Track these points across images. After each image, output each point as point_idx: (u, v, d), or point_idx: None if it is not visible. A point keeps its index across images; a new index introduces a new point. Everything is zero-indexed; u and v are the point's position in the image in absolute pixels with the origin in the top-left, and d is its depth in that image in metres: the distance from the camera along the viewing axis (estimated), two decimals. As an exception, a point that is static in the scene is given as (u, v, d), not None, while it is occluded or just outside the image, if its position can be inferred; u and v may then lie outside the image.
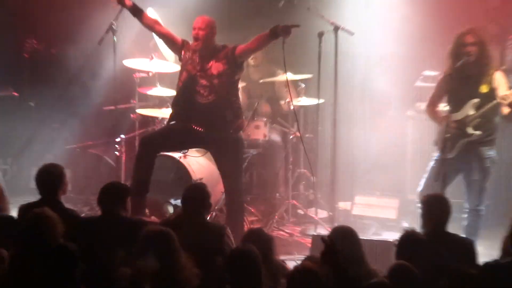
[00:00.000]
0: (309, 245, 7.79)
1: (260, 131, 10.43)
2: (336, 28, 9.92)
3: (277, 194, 10.68)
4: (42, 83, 11.16)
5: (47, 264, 6.33)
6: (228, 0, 11.14)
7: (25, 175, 9.76)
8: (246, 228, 9.55)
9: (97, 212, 7.85)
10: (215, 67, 9.34)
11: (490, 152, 9.19)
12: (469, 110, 9.06)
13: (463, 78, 9.14)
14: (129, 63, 10.50)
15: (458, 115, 9.11)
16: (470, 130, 9.07)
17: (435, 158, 9.34)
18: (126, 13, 9.60)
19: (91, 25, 10.43)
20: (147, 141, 9.64)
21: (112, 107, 10.26)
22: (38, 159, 10.08)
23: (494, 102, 8.97)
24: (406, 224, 9.54)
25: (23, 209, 7.57)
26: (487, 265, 6.61)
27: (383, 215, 10.64)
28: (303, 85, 10.68)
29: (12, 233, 7.12)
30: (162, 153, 9.76)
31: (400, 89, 10.87)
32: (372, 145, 11.10)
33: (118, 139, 10.29)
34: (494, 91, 9.02)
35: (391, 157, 10.97)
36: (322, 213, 10.59)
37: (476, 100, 9.03)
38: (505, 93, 8.81)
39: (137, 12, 9.40)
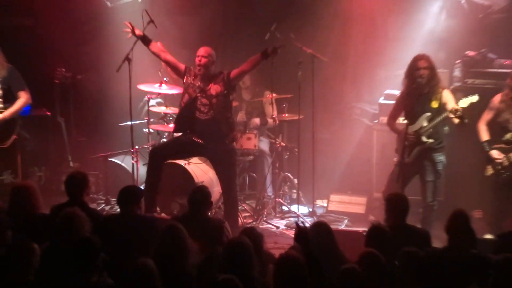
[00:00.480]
0: (293, 236, 7.80)
1: (251, 142, 10.42)
2: (313, 57, 9.96)
3: (266, 194, 10.64)
4: (70, 104, 11.14)
5: (74, 254, 6.35)
6: (223, 32, 11.05)
7: (56, 180, 9.70)
8: (240, 222, 9.64)
9: (117, 210, 7.85)
10: (214, 88, 9.41)
11: (441, 157, 9.25)
12: (423, 122, 9.10)
13: (417, 96, 9.18)
14: (142, 87, 10.51)
15: (414, 127, 9.13)
16: (424, 139, 9.11)
17: (396, 162, 9.38)
18: (139, 46, 9.65)
19: (110, 55, 10.41)
20: (156, 151, 9.72)
21: (128, 123, 10.28)
22: (67, 167, 10.06)
23: (443, 115, 9.02)
24: (373, 218, 9.55)
25: (56, 209, 7.55)
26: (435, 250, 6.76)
27: (353, 210, 10.64)
28: (284, 104, 10.67)
29: (44, 229, 7.15)
30: (169, 161, 9.78)
31: (369, 105, 10.88)
32: (344, 152, 11.07)
33: (133, 150, 10.30)
34: (443, 106, 9.08)
35: (360, 162, 10.96)
36: (303, 209, 10.62)
37: (428, 114, 9.10)
38: (455, 106, 8.85)
39: (146, 41, 9.49)
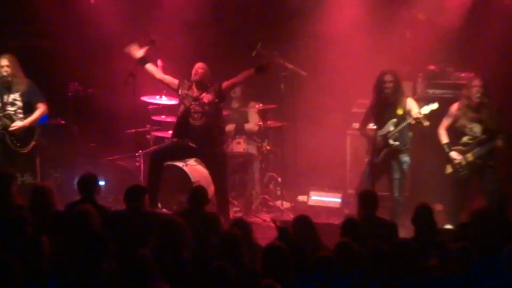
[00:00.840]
0: (277, 228, 7.79)
1: (240, 146, 10.42)
2: (294, 71, 9.97)
3: (254, 191, 10.59)
4: (82, 114, 11.11)
5: (87, 245, 6.35)
6: (216, 50, 11.04)
7: (70, 181, 9.65)
8: (231, 216, 9.58)
9: (123, 207, 7.83)
10: (206, 97, 9.40)
11: (406, 158, 9.32)
12: (390, 127, 9.17)
13: (384, 104, 9.23)
14: (145, 98, 10.50)
15: (382, 131, 9.21)
16: (391, 142, 9.18)
17: (367, 163, 9.40)
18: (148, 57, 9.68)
19: (117, 71, 10.39)
20: (156, 154, 9.71)
21: (133, 130, 10.27)
22: (79, 169, 10.02)
23: (407, 121, 9.10)
24: (347, 212, 9.51)
25: (70, 206, 7.58)
26: (399, 241, 6.74)
27: (330, 205, 10.57)
28: (268, 114, 10.69)
29: (59, 223, 7.14)
30: (169, 163, 9.78)
31: (341, 114, 10.87)
32: (322, 155, 11.08)
33: (137, 154, 10.29)
34: (407, 113, 9.15)
35: (336, 162, 10.98)
36: (287, 204, 10.62)
37: (394, 120, 9.18)
38: (417, 112, 8.96)
39: (143, 63, 9.49)
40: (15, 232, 6.72)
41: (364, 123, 9.63)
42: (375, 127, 9.43)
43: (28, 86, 9.56)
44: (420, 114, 9.01)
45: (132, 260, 5.99)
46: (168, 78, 9.65)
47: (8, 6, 11.06)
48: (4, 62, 9.41)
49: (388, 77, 9.23)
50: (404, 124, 9.20)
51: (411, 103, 9.29)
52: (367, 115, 9.60)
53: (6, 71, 9.39)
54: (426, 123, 9.03)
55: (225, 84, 9.49)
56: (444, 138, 9.37)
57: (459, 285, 5.86)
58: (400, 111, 9.23)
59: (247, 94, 10.90)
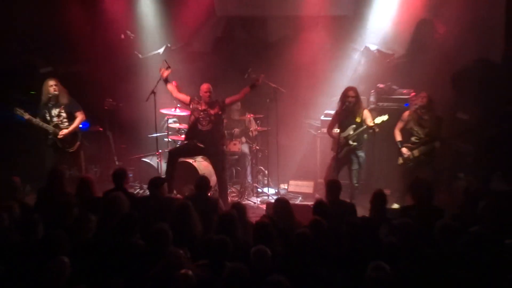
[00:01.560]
0: (264, 208, 7.78)
1: (236, 146, 10.39)
2: (276, 89, 9.96)
3: (246, 181, 10.59)
4: (115, 122, 11.09)
5: (119, 223, 6.36)
6: (217, 73, 11.01)
7: (106, 174, 9.65)
8: (229, 200, 9.56)
9: (147, 193, 7.85)
10: (213, 110, 9.40)
11: (362, 154, 9.37)
12: (350, 131, 9.19)
13: (346, 113, 9.22)
14: (163, 110, 10.47)
15: (344, 134, 9.22)
16: (350, 142, 9.20)
17: (332, 158, 9.42)
18: (161, 83, 9.61)
19: (141, 89, 10.34)
20: (172, 153, 9.67)
21: (154, 135, 10.26)
22: (113, 164, 10.02)
23: (363, 127, 9.11)
24: (318, 196, 9.54)
25: (106, 193, 7.58)
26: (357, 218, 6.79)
27: (305, 190, 10.56)
28: (258, 121, 10.68)
29: (98, 206, 7.14)
30: (182, 159, 9.72)
31: (312, 121, 10.88)
32: (298, 152, 11.06)
33: (157, 153, 10.29)
34: (363, 121, 9.15)
35: (309, 158, 10.93)
36: (272, 191, 10.56)
37: (353, 126, 9.18)
38: (371, 122, 8.99)
39: (166, 81, 9.46)
40: (64, 213, 6.74)
41: (330, 127, 9.58)
42: (338, 130, 9.40)
43: (69, 101, 9.52)
44: (374, 123, 9.07)
45: (154, 232, 6.02)
46: (182, 96, 9.62)
47: (57, 40, 10.96)
48: (52, 82, 9.38)
49: (351, 93, 9.23)
50: (361, 129, 9.20)
51: (366, 114, 9.29)
52: (333, 121, 9.56)
53: (54, 89, 9.37)
54: (377, 130, 9.10)
55: (228, 100, 9.49)
56: (398, 137, 9.39)
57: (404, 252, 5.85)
58: (358, 119, 9.24)
59: (244, 107, 10.90)
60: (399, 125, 9.43)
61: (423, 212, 6.98)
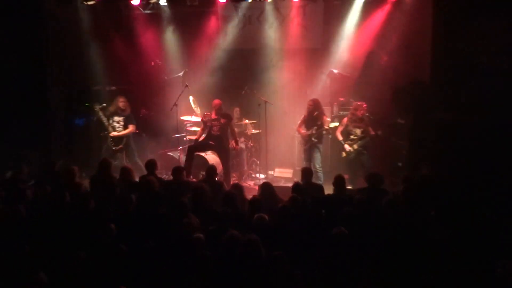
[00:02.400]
0: (257, 189, 7.79)
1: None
2: (266, 102, 9.96)
3: (244, 169, 10.55)
4: (148, 126, 11.04)
5: (151, 200, 6.38)
6: (224, 89, 10.93)
7: (139, 166, 9.57)
8: (231, 182, 9.51)
9: (170, 178, 7.84)
10: (222, 120, 9.44)
11: (320, 146, 9.45)
12: (313, 130, 9.29)
13: (310, 118, 9.34)
14: (183, 117, 10.45)
15: (308, 132, 9.35)
16: (313, 139, 9.32)
17: (303, 150, 9.47)
18: (182, 97, 9.64)
19: (167, 101, 10.33)
20: (190, 148, 9.65)
21: (176, 135, 10.27)
22: (145, 157, 9.99)
23: (322, 129, 9.24)
24: (295, 179, 9.44)
25: (142, 177, 7.61)
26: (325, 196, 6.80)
27: (286, 176, 10.52)
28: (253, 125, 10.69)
29: (134, 188, 7.17)
30: (197, 153, 9.65)
31: (291, 125, 10.82)
32: (282, 148, 10.93)
33: (179, 148, 10.29)
34: (323, 124, 9.26)
35: (289, 152, 10.90)
36: (262, 176, 10.51)
37: (315, 127, 9.37)
38: (328, 126, 9.16)
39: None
40: (110, 192, 6.77)
41: (299, 126, 9.68)
42: (305, 130, 9.52)
43: (129, 114, 9.80)
44: (328, 127, 9.30)
45: (177, 205, 6.05)
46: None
47: (109, 66, 10.95)
48: (123, 99, 9.73)
49: (309, 102, 9.41)
50: (319, 130, 9.31)
51: (325, 119, 9.44)
52: (301, 122, 9.64)
53: (123, 105, 9.67)
54: (330, 132, 9.35)
55: (231, 123, 9.61)
56: (340, 137, 9.46)
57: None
58: (319, 122, 9.34)
59: (242, 115, 10.88)
60: (339, 128, 9.53)
61: (373, 192, 7.04)
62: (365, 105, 9.52)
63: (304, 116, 9.58)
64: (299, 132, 9.72)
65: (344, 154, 9.44)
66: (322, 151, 9.56)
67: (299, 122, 9.79)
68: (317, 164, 9.42)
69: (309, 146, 9.44)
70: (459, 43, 8.32)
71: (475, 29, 8.24)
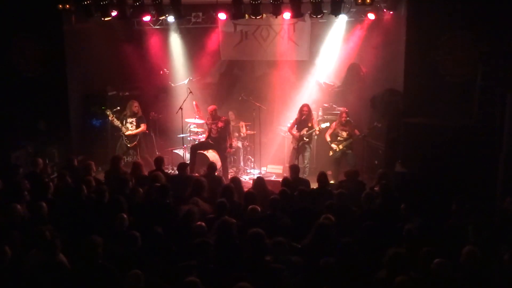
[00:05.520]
0: (251, 183, 7.77)
1: (234, 143, 10.05)
2: (259, 107, 9.95)
3: (240, 165, 10.50)
4: (156, 127, 10.96)
5: (158, 191, 6.36)
6: (222, 96, 10.94)
7: (148, 162, 9.49)
8: (229, 176, 9.49)
9: (176, 173, 7.82)
10: (220, 124, 9.39)
11: (310, 146, 9.50)
12: (304, 132, 9.27)
13: (302, 120, 9.33)
14: (187, 119, 10.35)
15: (300, 133, 9.34)
16: (304, 138, 9.31)
17: (293, 148, 9.54)
18: (186, 102, 9.62)
19: (173, 105, 10.35)
20: (193, 147, 9.64)
21: (181, 135, 10.24)
22: (154, 154, 9.94)
23: (312, 130, 9.22)
24: (285, 175, 9.40)
25: (150, 172, 7.64)
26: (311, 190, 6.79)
27: (277, 171, 10.41)
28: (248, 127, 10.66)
29: (144, 181, 7.15)
30: (199, 151, 9.59)
31: (283, 126, 10.78)
32: (273, 147, 10.86)
33: (183, 147, 10.26)
34: (313, 126, 9.25)
35: (280, 150, 10.80)
36: (256, 171, 10.40)
37: (306, 128, 9.31)
38: (319, 127, 9.12)
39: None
40: (122, 186, 6.74)
41: (291, 127, 9.67)
42: (296, 130, 9.52)
43: (140, 116, 9.75)
44: (319, 127, 9.26)
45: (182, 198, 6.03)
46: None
47: (119, 73, 10.89)
48: (136, 103, 9.72)
49: (305, 108, 9.39)
50: (311, 131, 9.32)
51: (314, 122, 9.45)
52: (292, 124, 9.64)
53: (136, 109, 9.66)
54: (318, 133, 9.36)
55: (227, 127, 9.53)
56: (328, 138, 9.50)
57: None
58: (310, 124, 9.35)
59: (238, 118, 10.86)
60: (329, 131, 9.55)
61: (352, 185, 7.06)
62: (346, 110, 9.56)
63: (296, 119, 9.58)
64: (291, 133, 9.70)
65: (331, 152, 9.48)
66: (310, 150, 9.58)
67: (290, 124, 9.78)
68: (306, 160, 9.48)
69: (301, 145, 9.46)
70: (429, 56, 8.40)
71: (443, 44, 8.34)
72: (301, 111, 9.47)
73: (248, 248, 4.78)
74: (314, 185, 7.38)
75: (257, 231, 4.82)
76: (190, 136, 10.49)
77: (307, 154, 9.50)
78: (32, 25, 9.45)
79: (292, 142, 9.80)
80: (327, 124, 9.42)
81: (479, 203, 6.21)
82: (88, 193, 6.45)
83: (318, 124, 9.47)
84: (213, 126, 9.52)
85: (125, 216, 5.52)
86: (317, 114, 10.55)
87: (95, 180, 7.16)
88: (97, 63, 10.28)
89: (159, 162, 7.84)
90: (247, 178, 10.13)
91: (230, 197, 6.26)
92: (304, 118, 9.43)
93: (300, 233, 5.41)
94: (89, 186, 6.69)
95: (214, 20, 10.60)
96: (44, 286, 4.33)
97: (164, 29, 11.07)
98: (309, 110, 9.45)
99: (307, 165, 9.42)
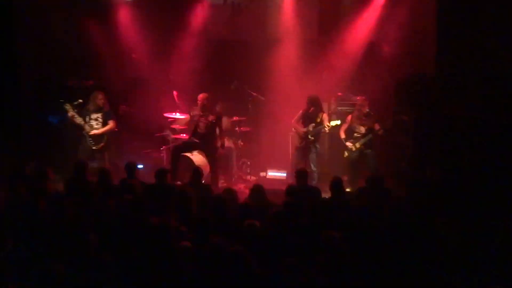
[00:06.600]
0: (247, 192, 7.78)
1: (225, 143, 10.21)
2: (257, 97, 9.99)
3: (233, 170, 10.51)
4: (128, 124, 10.96)
5: (133, 205, 6.34)
6: (211, 83, 10.86)
7: (118, 168, 9.43)
8: (219, 184, 9.53)
9: (153, 181, 7.83)
10: (211, 118, 9.42)
11: (317, 145, 9.65)
12: (310, 128, 9.40)
13: (309, 114, 9.40)
14: (166, 114, 10.39)
15: (305, 129, 9.51)
16: (310, 136, 9.45)
17: (295, 148, 9.81)
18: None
19: (149, 97, 10.36)
20: (174, 148, 9.72)
21: (159, 134, 10.24)
22: (126, 158, 9.88)
23: (320, 126, 9.33)
24: (290, 182, 9.46)
25: (122, 180, 7.64)
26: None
27: (280, 178, 10.47)
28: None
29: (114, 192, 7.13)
30: (182, 154, 9.64)
31: (285, 122, 10.73)
32: (274, 147, 10.94)
33: (162, 148, 10.32)
34: (321, 122, 9.38)
35: (283, 151, 10.85)
36: (253, 178, 10.52)
37: (313, 124, 9.42)
38: (328, 124, 9.19)
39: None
40: (87, 199, 6.72)
41: (296, 122, 9.78)
42: (301, 125, 9.66)
43: (107, 110, 9.73)
44: (329, 125, 9.33)
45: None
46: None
47: (83, 58, 10.88)
48: (101, 95, 9.67)
49: (313, 98, 9.54)
50: (319, 127, 9.41)
51: (324, 117, 9.52)
52: (298, 116, 9.76)
53: (102, 102, 9.63)
54: (327, 130, 9.44)
55: (219, 122, 9.56)
56: (342, 135, 9.63)
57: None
58: (317, 119, 9.43)
59: (230, 112, 10.85)
60: (344, 126, 9.64)
61: (375, 193, 7.06)
62: (365, 100, 9.60)
63: (302, 111, 9.66)
64: (295, 128, 9.79)
65: (346, 153, 9.51)
66: (319, 151, 9.62)
67: (296, 117, 9.85)
68: (313, 164, 9.49)
69: (305, 144, 9.49)
70: (467, 30, 8.28)
71: (484, 16, 8.22)
72: (308, 101, 9.55)
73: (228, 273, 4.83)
74: (326, 194, 7.42)
75: (237, 249, 4.87)
76: (170, 135, 10.51)
77: (313, 156, 9.57)
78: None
79: (296, 140, 9.84)
80: (338, 122, 9.45)
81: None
82: (44, 207, 6.42)
83: (327, 120, 9.52)
84: (201, 119, 9.50)
85: (92, 236, 5.50)
86: (328, 106, 10.60)
87: (53, 192, 7.13)
88: (54, 44, 10.26)
89: (131, 168, 7.83)
90: (242, 186, 10.17)
91: (223, 211, 6.26)
92: (312, 111, 9.47)
93: (308, 255, 5.43)
94: (46, 198, 6.66)
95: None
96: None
97: (138, 1, 11.07)
98: (314, 102, 9.49)
99: (315, 170, 9.49)
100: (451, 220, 5.85)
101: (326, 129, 9.45)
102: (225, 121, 10.63)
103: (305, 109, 9.63)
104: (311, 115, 9.56)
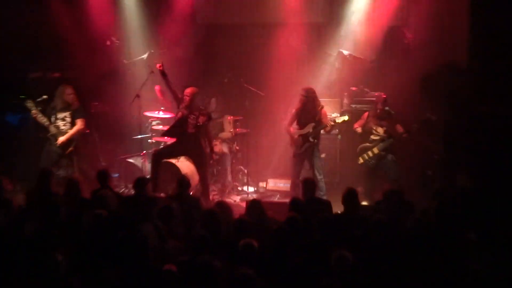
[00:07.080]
0: (244, 206, 7.81)
1: (217, 147, 10.26)
2: (254, 91, 10.03)
3: (227, 180, 10.53)
4: (101, 125, 11.07)
5: (107, 220, 6.39)
6: (202, 77, 11.01)
7: (92, 174, 9.45)
8: (210, 197, 9.64)
9: (132, 192, 7.86)
10: (201, 118, 9.41)
11: (318, 147, 9.59)
12: (310, 129, 9.38)
13: (305, 112, 9.38)
14: (147, 113, 10.45)
15: (304, 131, 9.40)
16: (310, 139, 9.37)
17: (292, 154, 9.74)
18: (145, 87, 9.70)
19: (127, 93, 10.43)
20: (156, 153, 9.74)
21: (139, 136, 10.28)
22: (99, 165, 9.99)
23: (322, 125, 9.33)
24: (295, 193, 9.50)
25: (94, 192, 7.65)
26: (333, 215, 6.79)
27: (283, 189, 10.50)
28: (238, 122, 10.71)
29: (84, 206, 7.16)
30: (165, 160, 9.67)
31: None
32: (275, 152, 10.97)
33: (142, 154, 10.32)
34: (321, 120, 9.36)
35: (286, 157, 10.76)
36: (251, 189, 10.59)
37: (312, 124, 9.34)
38: (331, 121, 9.32)
39: (164, 74, 9.44)
40: (52, 213, 6.71)
41: (290, 123, 9.73)
42: (297, 127, 9.62)
43: (77, 108, 9.72)
44: (334, 122, 9.39)
45: (140, 231, 6.07)
46: (175, 91, 9.64)
47: (46, 47, 10.91)
48: (70, 90, 9.68)
49: (302, 93, 9.45)
50: (319, 127, 9.43)
51: (324, 113, 9.52)
52: (292, 117, 9.72)
53: (70, 98, 9.64)
54: (335, 129, 9.35)
55: (208, 124, 9.61)
56: (359, 130, 9.73)
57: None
58: (317, 118, 9.43)
59: (222, 109, 10.90)
60: (359, 122, 9.70)
61: (394, 207, 7.09)
62: (384, 95, 9.60)
63: (296, 110, 9.62)
64: (289, 132, 9.69)
65: (360, 160, 9.53)
66: (325, 156, 9.66)
67: (289, 118, 9.83)
68: (318, 171, 9.50)
69: (306, 149, 9.48)
70: (506, 11, 8.36)
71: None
72: (299, 98, 9.54)
73: None
74: (337, 209, 7.44)
75: (245, 272, 4.87)
76: (152, 137, 10.56)
77: (317, 162, 9.55)
78: None
79: (290, 145, 9.81)
80: (345, 117, 9.46)
81: None
82: (1, 224, 6.45)
83: (327, 116, 9.57)
84: (190, 118, 9.50)
85: (59, 256, 5.53)
86: (340, 102, 10.66)
87: (13, 205, 7.16)
88: (14, 30, 10.30)
89: (104, 176, 7.86)
90: (238, 199, 10.23)
91: (215, 228, 6.28)
92: (306, 109, 9.45)
93: (315, 280, 5.45)
94: (2, 213, 6.69)
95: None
96: None
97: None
98: (310, 96, 9.49)
99: (321, 177, 9.50)
100: (484, 238, 5.90)
101: (328, 128, 9.49)
102: (226, 123, 10.74)
103: (299, 107, 9.56)
104: (307, 113, 9.50)
